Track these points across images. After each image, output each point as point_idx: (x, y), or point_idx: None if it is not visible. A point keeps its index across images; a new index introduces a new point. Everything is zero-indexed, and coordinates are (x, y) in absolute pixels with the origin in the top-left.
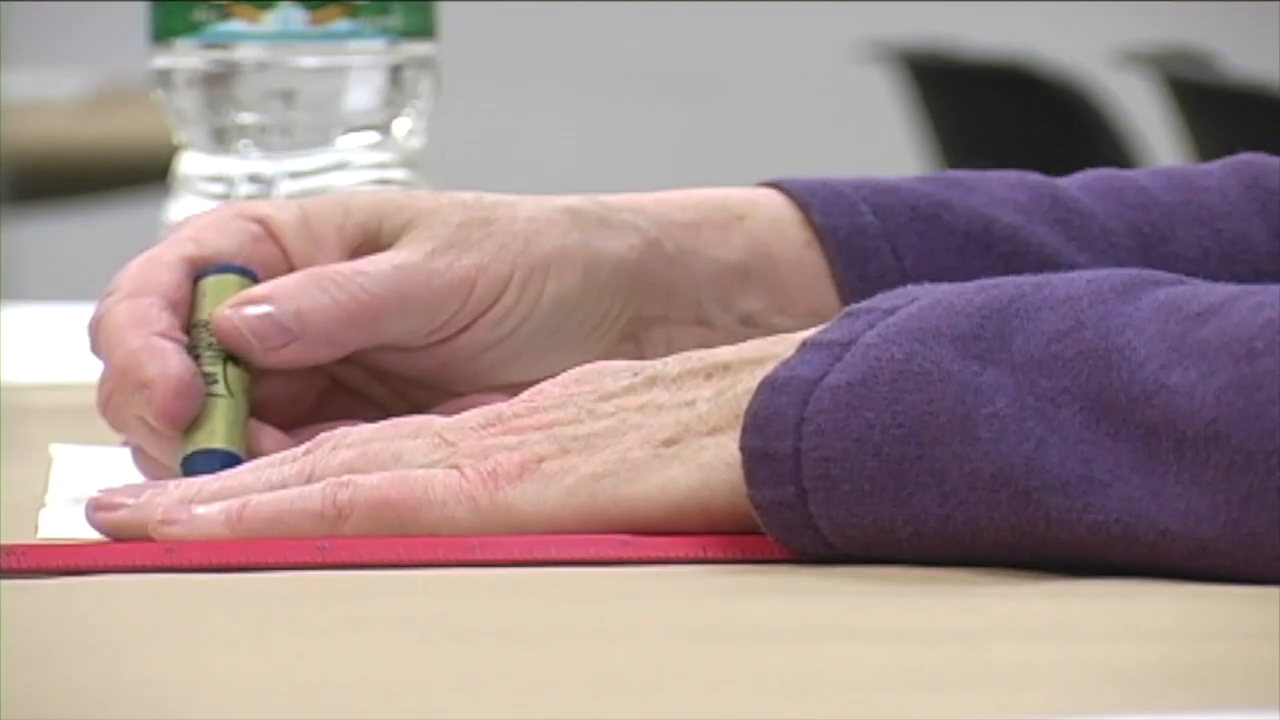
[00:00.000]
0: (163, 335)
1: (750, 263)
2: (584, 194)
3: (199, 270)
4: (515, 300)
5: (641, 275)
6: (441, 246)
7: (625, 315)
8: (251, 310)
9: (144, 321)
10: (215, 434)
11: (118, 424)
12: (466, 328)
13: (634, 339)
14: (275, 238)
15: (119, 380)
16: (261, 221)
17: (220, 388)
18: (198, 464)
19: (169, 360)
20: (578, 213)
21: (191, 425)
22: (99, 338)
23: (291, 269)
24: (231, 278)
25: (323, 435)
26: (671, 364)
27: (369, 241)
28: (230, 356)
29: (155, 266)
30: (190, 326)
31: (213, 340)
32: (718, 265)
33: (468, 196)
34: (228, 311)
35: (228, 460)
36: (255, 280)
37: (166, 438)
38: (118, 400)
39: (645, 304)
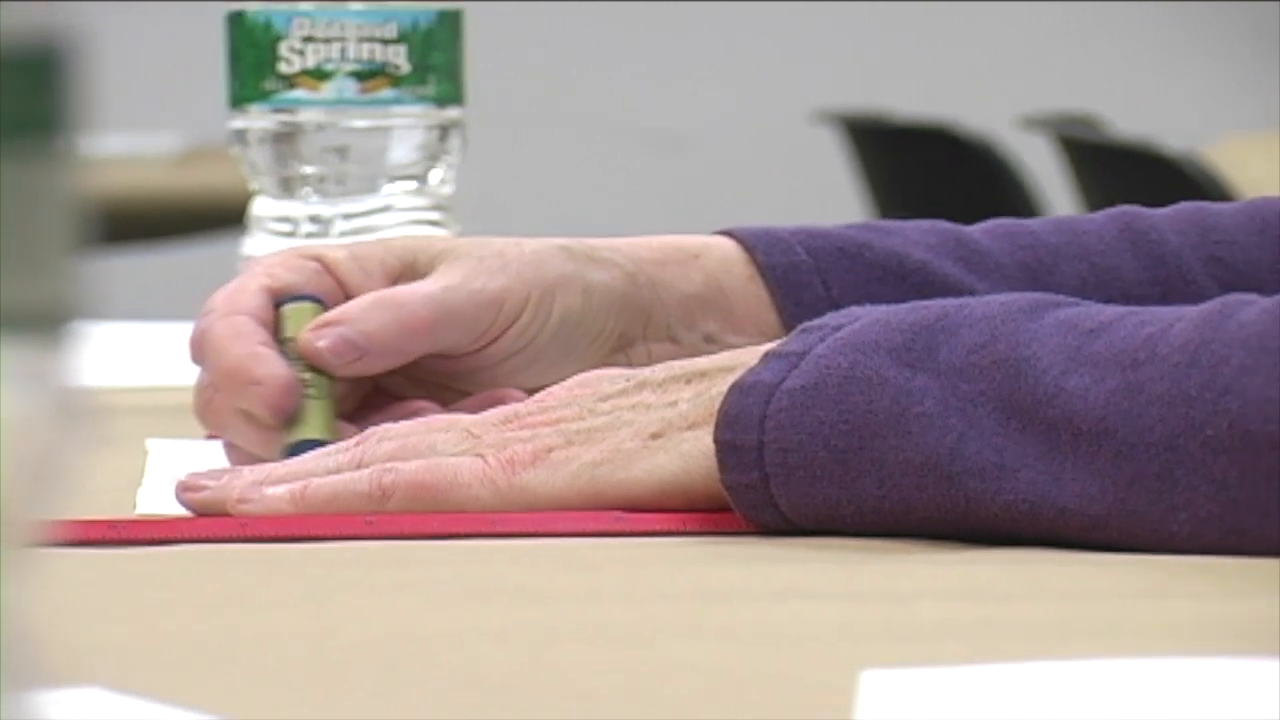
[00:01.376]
0: (263, 345)
1: (706, 293)
2: (580, 232)
3: (276, 299)
4: (531, 318)
5: (625, 301)
6: (472, 274)
7: (615, 333)
8: (328, 332)
9: (245, 335)
10: (314, 427)
11: (216, 422)
12: (495, 340)
13: (623, 352)
14: (331, 272)
15: (228, 381)
16: (319, 259)
17: (313, 391)
18: (301, 451)
19: (276, 364)
20: (570, 249)
21: (291, 420)
22: (203, 348)
23: (348, 297)
24: (306, 305)
25: (370, 430)
26: (658, 371)
27: (406, 273)
28: (312, 366)
29: (242, 294)
30: (277, 344)
31: (298, 356)
32: (681, 295)
33: (478, 239)
34: (309, 334)
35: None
36: (324, 306)
37: (265, 431)
38: (220, 400)
39: (629, 325)
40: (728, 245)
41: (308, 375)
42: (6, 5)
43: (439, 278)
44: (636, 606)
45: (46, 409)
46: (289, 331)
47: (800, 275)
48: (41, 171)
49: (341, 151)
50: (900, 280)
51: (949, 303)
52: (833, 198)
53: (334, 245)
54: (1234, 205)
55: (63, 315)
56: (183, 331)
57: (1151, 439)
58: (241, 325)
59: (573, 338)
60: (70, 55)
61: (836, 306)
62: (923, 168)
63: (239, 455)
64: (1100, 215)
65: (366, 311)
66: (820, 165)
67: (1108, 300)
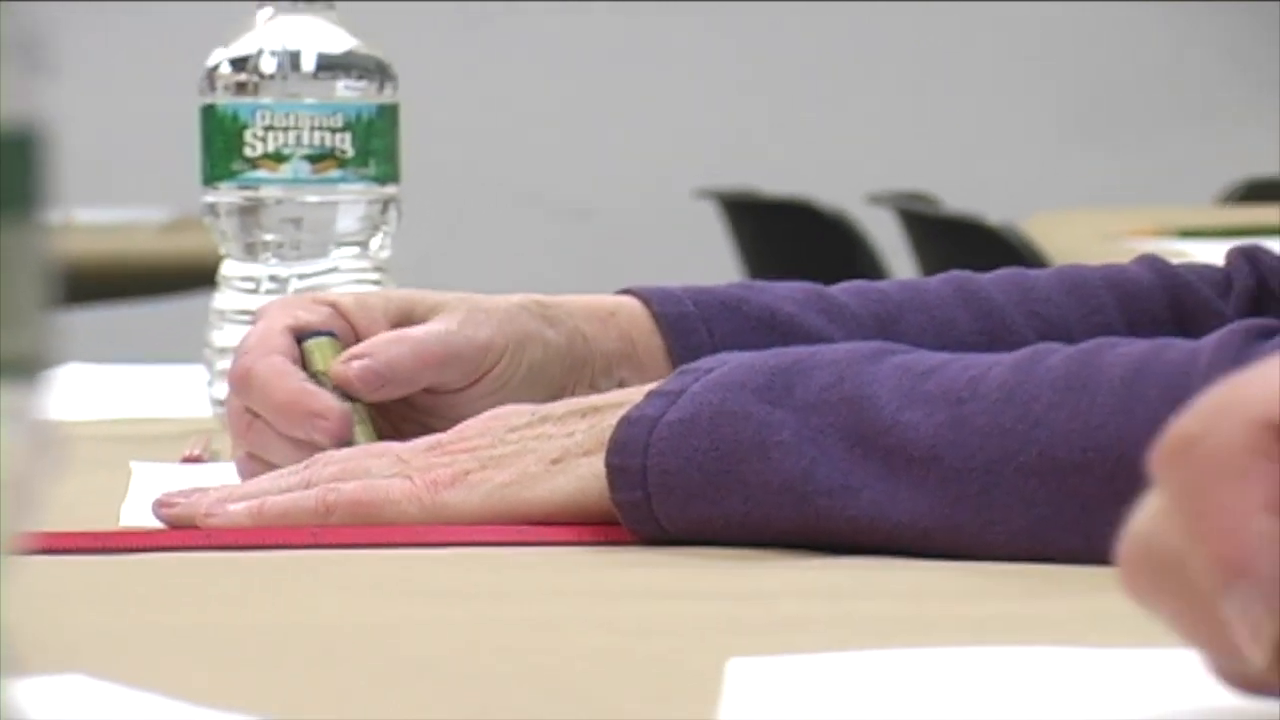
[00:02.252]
0: (306, 382)
1: (622, 347)
2: (500, 290)
3: (299, 335)
4: (506, 365)
5: (569, 355)
6: (466, 322)
7: (559, 382)
8: (357, 364)
9: (288, 373)
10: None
11: (259, 444)
12: (478, 381)
13: (559, 395)
14: (344, 315)
15: (282, 413)
16: (331, 304)
17: (357, 416)
18: None
19: (328, 398)
20: (529, 309)
21: (346, 443)
22: (249, 385)
23: (358, 338)
24: (325, 340)
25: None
26: (557, 407)
27: (404, 320)
28: (343, 393)
29: (272, 335)
30: (310, 376)
31: (331, 385)
32: (605, 349)
33: (463, 294)
34: (340, 366)
35: None
36: (339, 341)
37: (308, 450)
38: (262, 425)
39: (568, 375)
40: (633, 303)
41: (346, 404)
42: None
43: (440, 323)
44: (537, 603)
45: (24, 440)
46: (318, 364)
47: (689, 324)
48: (22, 239)
49: (296, 222)
50: (771, 329)
51: (804, 349)
52: (714, 262)
53: (343, 293)
54: (1048, 270)
55: (40, 362)
56: (165, 372)
57: (973, 465)
58: (281, 365)
59: (534, 384)
60: (45, 140)
61: (720, 350)
62: (787, 237)
63: (258, 468)
64: (937, 277)
65: (387, 346)
66: (703, 235)
67: (944, 347)
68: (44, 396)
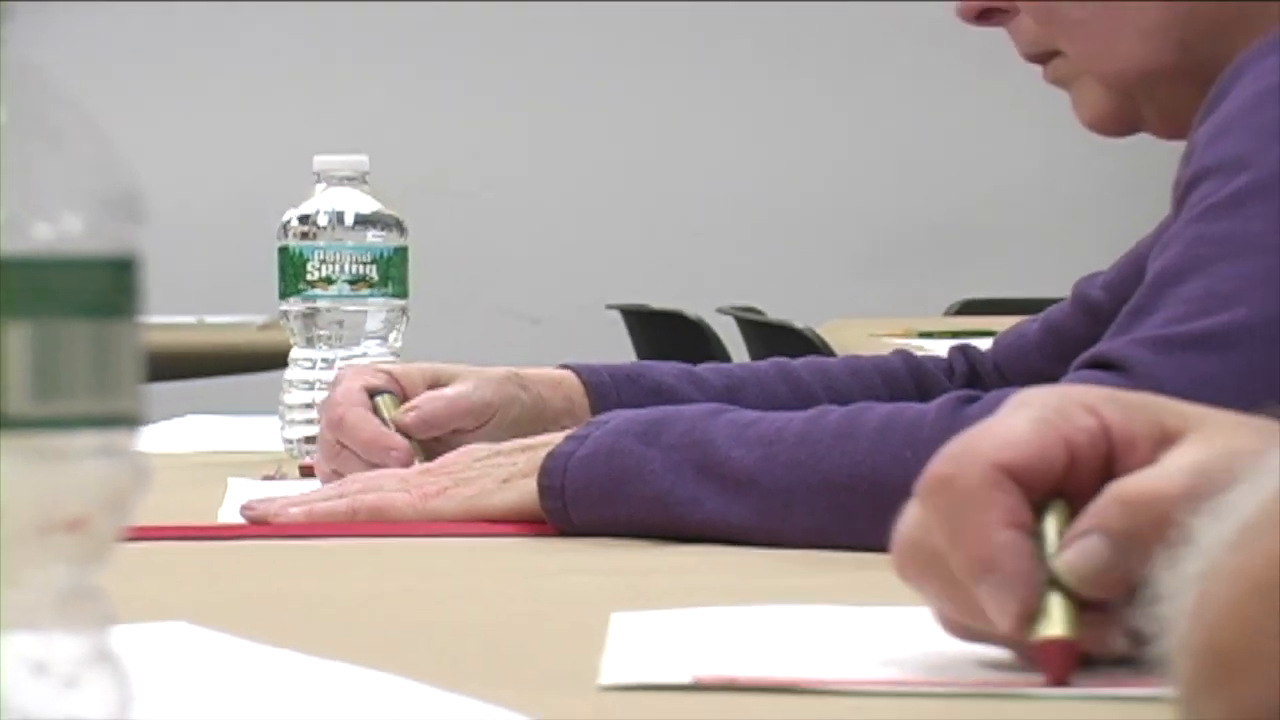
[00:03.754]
0: (381, 426)
1: (566, 406)
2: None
3: (370, 393)
4: (499, 416)
5: (534, 414)
6: (476, 387)
7: (526, 427)
8: (412, 414)
9: (368, 419)
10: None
11: (342, 463)
12: (481, 426)
13: (526, 436)
14: (397, 380)
15: (368, 447)
16: (386, 373)
17: (415, 448)
18: None
19: (399, 439)
20: (509, 378)
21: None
22: (343, 426)
23: (407, 396)
24: (388, 396)
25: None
26: (507, 445)
27: (435, 384)
28: (402, 432)
29: (353, 392)
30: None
31: (391, 427)
32: (554, 407)
33: (471, 366)
34: (400, 415)
35: None
36: (397, 397)
37: (371, 467)
38: (349, 454)
39: (533, 423)
40: (571, 375)
41: (406, 440)
42: (101, 224)
43: (461, 386)
44: (487, 577)
45: (126, 467)
46: (384, 413)
47: (606, 391)
48: (125, 335)
49: (340, 323)
50: (658, 395)
51: (671, 408)
52: (619, 351)
53: (394, 365)
54: (837, 359)
55: (137, 418)
56: (256, 421)
57: (778, 486)
58: (363, 413)
59: (512, 430)
60: (137, 261)
61: (625, 408)
62: (668, 337)
63: (336, 479)
64: (766, 362)
65: (431, 402)
66: (615, 339)
67: (769, 409)
68: (138, 439)
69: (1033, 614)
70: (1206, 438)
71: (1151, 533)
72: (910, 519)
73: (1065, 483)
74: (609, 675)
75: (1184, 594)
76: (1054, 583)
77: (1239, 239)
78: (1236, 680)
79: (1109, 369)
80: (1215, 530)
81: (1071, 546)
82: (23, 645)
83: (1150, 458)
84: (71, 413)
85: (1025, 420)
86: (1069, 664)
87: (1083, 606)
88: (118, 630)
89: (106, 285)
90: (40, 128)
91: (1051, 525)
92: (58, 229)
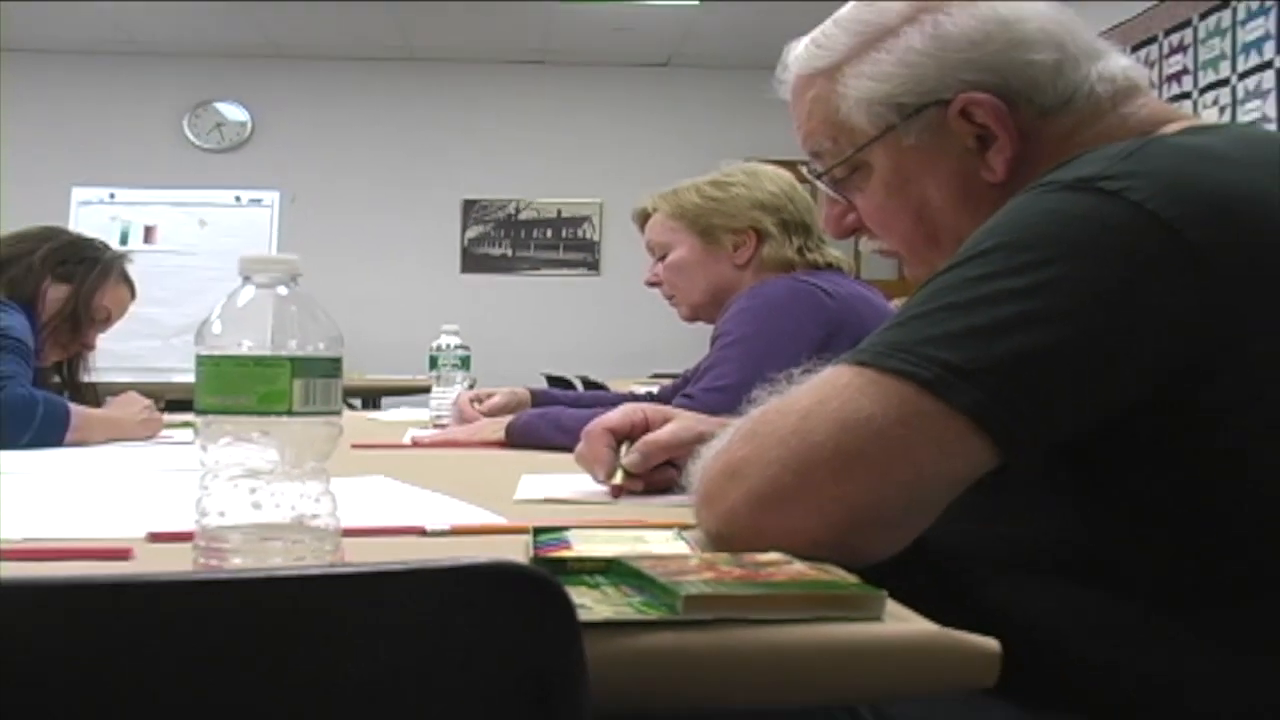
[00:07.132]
0: (610, 446)
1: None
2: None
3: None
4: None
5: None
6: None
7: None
8: (633, 454)
9: (608, 459)
10: (622, 470)
11: (602, 476)
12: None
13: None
14: (646, 419)
15: (610, 466)
16: (639, 412)
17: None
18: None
19: (611, 456)
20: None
21: (611, 472)
22: (589, 453)
23: (648, 429)
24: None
25: (457, 428)
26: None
27: (638, 431)
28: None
29: (602, 433)
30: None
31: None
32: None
33: (677, 410)
34: (630, 454)
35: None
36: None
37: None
38: (610, 472)
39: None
40: (523, 394)
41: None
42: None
43: (671, 427)
44: (478, 462)
45: (334, 430)
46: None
47: (536, 400)
48: (336, 383)
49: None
50: (553, 403)
51: (552, 409)
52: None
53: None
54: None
55: (339, 412)
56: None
57: (571, 429)
58: (606, 449)
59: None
60: (340, 357)
61: (542, 407)
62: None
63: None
64: (589, 394)
65: (652, 443)
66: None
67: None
68: (340, 420)
69: (611, 473)
70: (683, 422)
71: (657, 454)
72: (582, 443)
73: (631, 434)
74: (519, 495)
75: (696, 469)
76: (623, 468)
77: (736, 347)
78: (713, 503)
79: (687, 397)
80: (706, 451)
81: (628, 455)
82: (307, 489)
83: (661, 428)
84: (317, 409)
85: (620, 412)
86: (621, 492)
87: (640, 475)
88: (338, 481)
89: (331, 367)
90: (302, 303)
91: (624, 449)
92: (315, 345)
